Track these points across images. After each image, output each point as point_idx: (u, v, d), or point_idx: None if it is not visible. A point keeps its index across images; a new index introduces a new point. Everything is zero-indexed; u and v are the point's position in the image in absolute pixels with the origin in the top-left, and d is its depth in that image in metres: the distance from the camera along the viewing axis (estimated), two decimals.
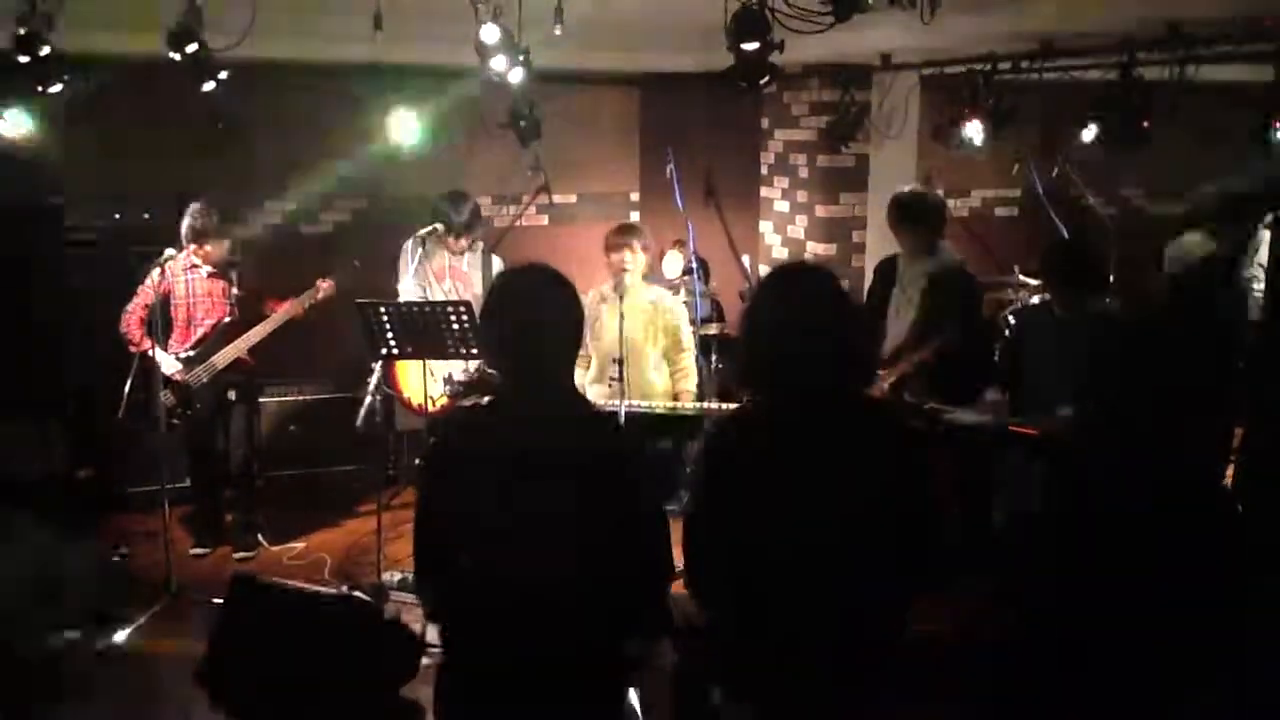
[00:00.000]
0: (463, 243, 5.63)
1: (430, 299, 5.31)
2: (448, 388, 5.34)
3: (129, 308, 5.20)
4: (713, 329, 6.38)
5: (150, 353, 5.00)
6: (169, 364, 5.20)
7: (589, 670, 2.41)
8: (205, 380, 5.27)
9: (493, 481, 2.35)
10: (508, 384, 2.46)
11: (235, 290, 5.34)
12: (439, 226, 5.62)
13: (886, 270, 5.23)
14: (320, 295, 5.38)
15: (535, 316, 2.39)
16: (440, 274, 5.65)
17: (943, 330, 4.71)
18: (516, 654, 2.36)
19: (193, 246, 5.24)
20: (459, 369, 5.23)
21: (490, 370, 5.30)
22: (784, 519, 2.29)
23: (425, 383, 4.98)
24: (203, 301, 5.32)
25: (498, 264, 5.80)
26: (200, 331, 5.32)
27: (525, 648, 2.35)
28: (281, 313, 5.34)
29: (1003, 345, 4.96)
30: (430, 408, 5.28)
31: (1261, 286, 5.77)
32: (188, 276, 5.30)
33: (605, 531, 2.30)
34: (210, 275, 5.32)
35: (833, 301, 2.44)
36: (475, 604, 2.40)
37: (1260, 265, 5.84)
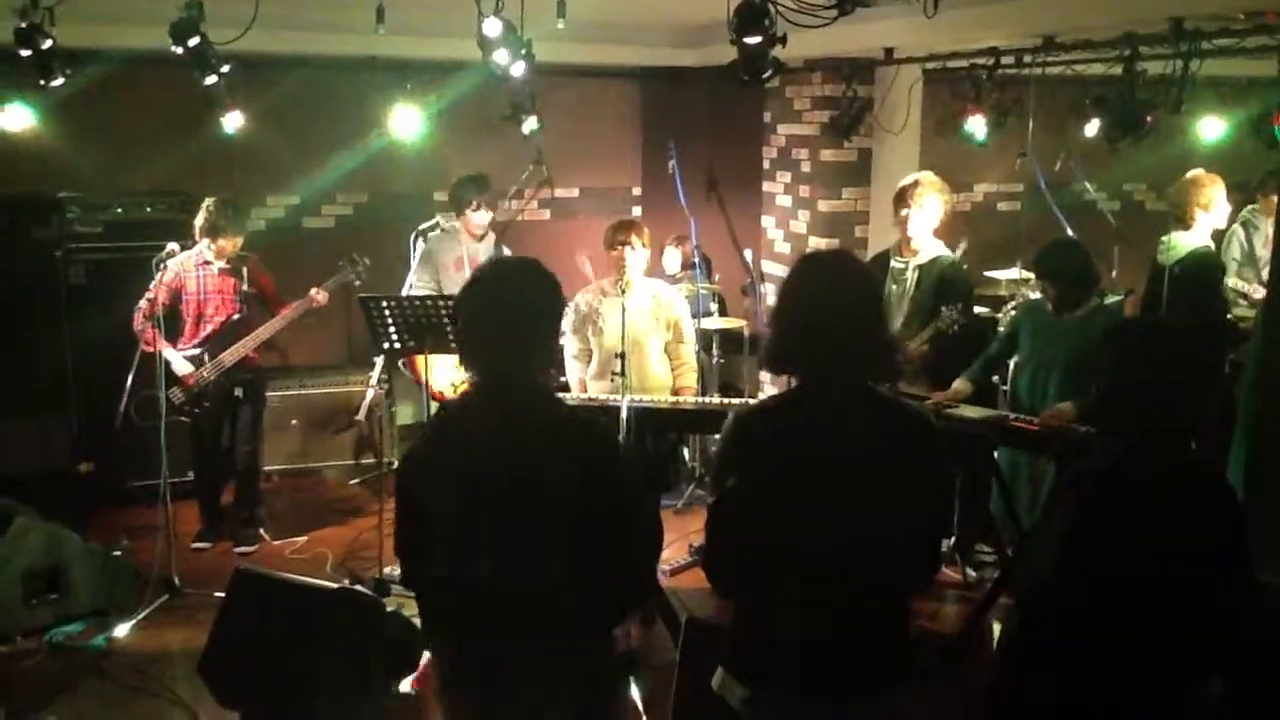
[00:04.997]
0: (484, 221, 5.65)
1: (444, 293, 5.31)
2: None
3: (140, 305, 5.19)
4: (716, 323, 6.37)
5: (161, 351, 5.02)
6: (180, 364, 5.22)
7: (577, 660, 2.41)
8: (213, 377, 5.28)
9: (469, 482, 2.34)
10: (479, 379, 2.42)
11: (245, 288, 5.35)
12: (439, 220, 5.64)
13: (880, 265, 5.25)
14: (314, 304, 5.40)
15: (503, 310, 2.36)
16: (458, 264, 5.64)
17: (939, 316, 4.73)
18: (499, 646, 2.37)
19: (206, 241, 5.25)
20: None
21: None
22: (806, 506, 2.29)
23: (448, 369, 5.00)
24: (214, 298, 5.34)
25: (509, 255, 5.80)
26: (209, 328, 5.33)
27: (507, 640, 2.36)
28: (284, 315, 5.36)
29: (1000, 338, 4.97)
30: (451, 394, 5.34)
31: (1233, 281, 5.80)
32: (200, 273, 5.31)
33: (585, 528, 2.29)
34: (221, 272, 5.33)
35: (867, 289, 2.45)
36: (457, 600, 2.40)
37: (1234, 260, 5.85)
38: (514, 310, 2.36)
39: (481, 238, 5.75)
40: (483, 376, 2.41)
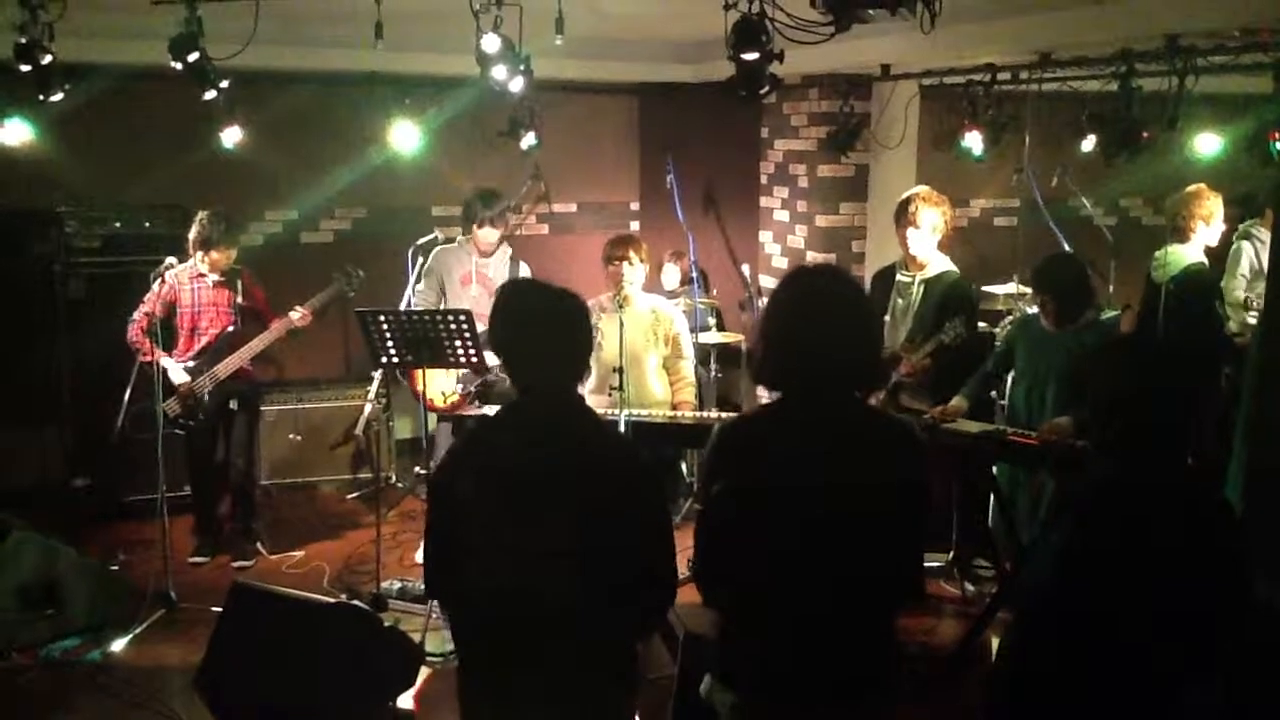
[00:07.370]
0: (492, 239, 5.62)
1: (449, 307, 5.29)
2: (460, 385, 5.36)
3: (134, 316, 5.20)
4: (713, 338, 6.38)
5: (157, 362, 5.01)
6: (177, 373, 5.21)
7: (596, 674, 2.44)
8: (208, 389, 5.27)
9: (500, 490, 2.37)
10: (517, 394, 2.49)
11: (239, 300, 5.35)
12: (438, 234, 5.63)
13: (884, 278, 5.26)
14: (295, 324, 5.37)
15: (546, 331, 2.44)
16: (465, 279, 5.63)
17: (943, 329, 4.74)
18: (525, 660, 2.39)
19: (199, 254, 5.25)
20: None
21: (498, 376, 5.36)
22: (789, 515, 2.29)
23: (440, 379, 4.98)
24: (208, 310, 5.33)
25: (525, 270, 5.73)
26: (204, 340, 5.32)
27: (533, 654, 2.38)
28: (274, 329, 5.35)
29: (996, 353, 4.98)
30: (441, 403, 5.33)
31: (1243, 296, 5.79)
32: (194, 285, 5.31)
33: (611, 541, 2.32)
34: (216, 284, 5.33)
35: (855, 303, 2.46)
36: (484, 611, 2.42)
37: (1243, 276, 5.85)
38: (560, 332, 2.45)
39: (492, 253, 5.73)
40: (527, 390, 2.48)
